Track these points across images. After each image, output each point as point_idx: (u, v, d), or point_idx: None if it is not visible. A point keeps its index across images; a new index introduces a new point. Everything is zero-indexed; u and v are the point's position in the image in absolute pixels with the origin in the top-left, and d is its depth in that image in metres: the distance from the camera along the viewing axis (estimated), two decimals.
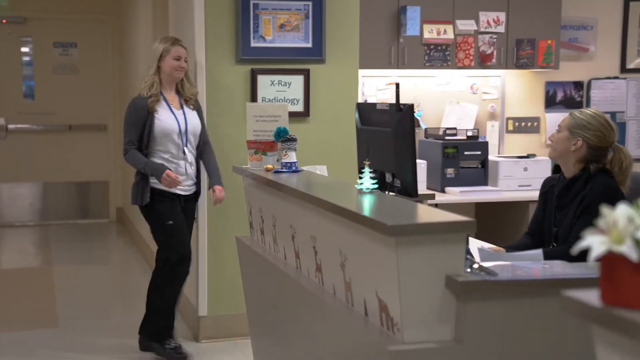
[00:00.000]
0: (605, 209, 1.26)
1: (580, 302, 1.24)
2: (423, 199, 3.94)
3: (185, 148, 3.92)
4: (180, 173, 3.90)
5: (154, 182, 3.89)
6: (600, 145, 2.72)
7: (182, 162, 3.92)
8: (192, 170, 3.98)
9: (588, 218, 2.61)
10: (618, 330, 1.18)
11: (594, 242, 1.23)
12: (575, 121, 2.75)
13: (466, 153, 5.06)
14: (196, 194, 4.07)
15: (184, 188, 3.96)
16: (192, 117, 3.97)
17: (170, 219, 3.90)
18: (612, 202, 2.88)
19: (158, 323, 4.03)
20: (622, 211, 1.24)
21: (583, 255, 1.27)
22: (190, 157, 3.95)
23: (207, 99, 4.28)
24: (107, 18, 8.15)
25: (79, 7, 8.01)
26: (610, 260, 1.22)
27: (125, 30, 7.80)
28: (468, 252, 2.14)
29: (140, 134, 3.88)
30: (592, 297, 1.24)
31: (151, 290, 4.05)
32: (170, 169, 3.85)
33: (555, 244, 2.78)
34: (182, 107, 3.96)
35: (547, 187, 2.90)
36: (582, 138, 2.71)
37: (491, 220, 5.16)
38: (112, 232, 7.99)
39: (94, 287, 5.67)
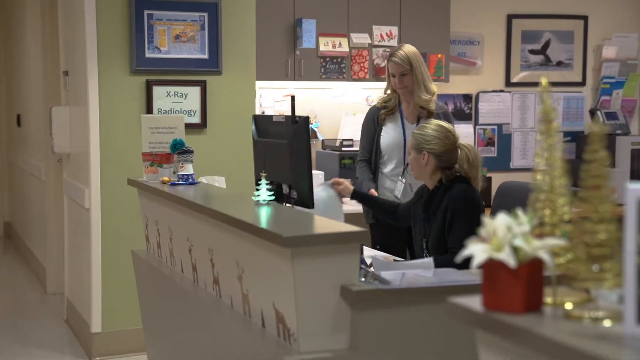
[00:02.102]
0: (486, 219, 1.33)
1: (464, 307, 1.30)
2: None
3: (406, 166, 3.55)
4: (395, 195, 3.61)
5: None
6: (444, 149, 2.88)
7: (399, 182, 3.61)
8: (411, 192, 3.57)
9: (459, 224, 2.77)
10: (498, 333, 1.25)
11: (476, 250, 1.30)
12: (416, 139, 2.94)
13: (357, 175, 5.15)
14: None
15: None
16: None
17: (378, 244, 3.53)
18: (473, 205, 3.03)
19: None
20: (501, 220, 1.31)
21: (470, 263, 1.34)
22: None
23: (100, 110, 4.18)
24: None
25: None
26: (491, 267, 1.29)
27: (10, 38, 7.50)
28: (362, 261, 2.19)
29: (371, 145, 3.63)
30: (474, 302, 1.31)
31: None
32: (372, 188, 3.58)
33: (428, 255, 2.90)
34: (417, 121, 3.63)
35: (417, 198, 3.08)
36: (426, 151, 2.88)
37: None
38: None
39: None
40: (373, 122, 3.68)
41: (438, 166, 2.89)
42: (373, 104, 3.71)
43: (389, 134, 3.66)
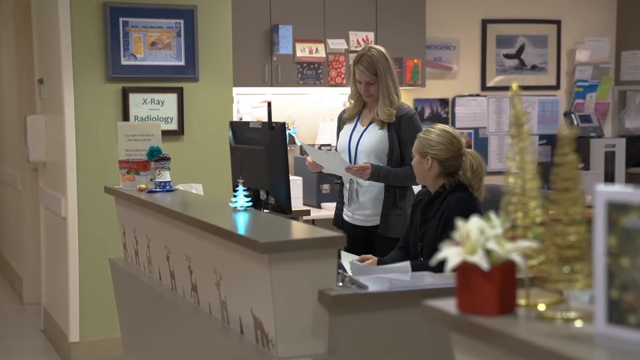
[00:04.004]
0: (460, 222, 1.35)
1: (439, 310, 1.32)
2: (298, 215, 4.00)
3: None
4: (347, 197, 3.42)
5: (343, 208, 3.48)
6: (448, 156, 2.82)
7: (348, 185, 3.41)
8: (366, 197, 3.38)
9: (448, 232, 2.72)
10: (473, 335, 1.27)
11: (450, 254, 1.31)
12: (421, 143, 2.87)
13: None
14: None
15: (356, 217, 3.41)
16: (374, 136, 3.37)
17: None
18: (470, 215, 2.96)
19: None
20: (474, 223, 1.33)
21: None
22: (363, 180, 3.34)
23: (76, 118, 4.16)
24: None
25: None
26: (465, 269, 1.30)
27: None
28: (340, 266, 2.20)
29: None
30: (449, 305, 1.32)
31: None
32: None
33: (422, 258, 2.88)
34: (369, 124, 3.40)
35: (416, 201, 3.02)
36: (430, 156, 2.83)
37: None
38: None
39: None
40: (338, 127, 3.57)
41: (441, 172, 2.83)
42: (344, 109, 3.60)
43: (340, 138, 3.49)
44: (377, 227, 3.34)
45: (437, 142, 2.82)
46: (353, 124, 3.48)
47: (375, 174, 3.28)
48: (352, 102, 3.48)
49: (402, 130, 3.34)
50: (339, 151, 3.47)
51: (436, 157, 2.82)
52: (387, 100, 3.36)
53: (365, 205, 3.39)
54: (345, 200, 3.47)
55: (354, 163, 3.37)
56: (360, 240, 3.41)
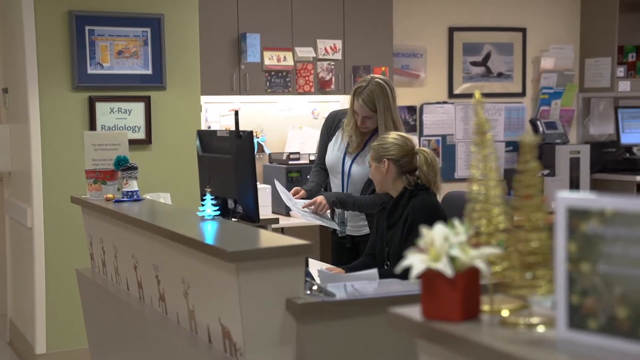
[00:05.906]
0: (424, 229, 1.36)
1: (404, 317, 1.33)
2: (266, 223, 4.00)
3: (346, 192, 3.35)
4: (338, 225, 3.42)
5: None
6: (402, 154, 2.91)
7: (335, 216, 3.43)
8: (350, 213, 3.40)
9: (413, 238, 2.75)
10: (437, 342, 1.28)
11: (415, 261, 1.33)
12: (375, 150, 2.96)
13: (309, 177, 5.18)
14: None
15: (350, 229, 3.44)
16: (363, 168, 3.32)
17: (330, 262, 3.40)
18: (434, 219, 3.00)
19: None
20: (438, 231, 1.34)
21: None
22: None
23: (42, 127, 4.11)
24: None
25: None
26: (429, 277, 1.32)
27: None
28: (308, 274, 2.21)
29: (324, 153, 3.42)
30: (414, 312, 1.34)
31: None
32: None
33: (388, 263, 2.91)
34: (359, 152, 3.35)
35: (379, 209, 3.06)
36: (386, 158, 2.91)
37: None
38: None
39: None
40: (331, 125, 3.48)
41: (399, 172, 2.90)
42: (336, 109, 3.53)
43: (333, 150, 3.45)
44: (365, 237, 3.36)
45: (391, 144, 2.92)
46: (344, 141, 3.40)
47: (330, 200, 3.27)
48: (351, 136, 3.34)
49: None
50: (329, 168, 3.47)
51: (391, 157, 2.90)
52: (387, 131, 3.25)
53: (352, 219, 3.43)
54: (337, 226, 3.46)
55: (347, 186, 3.39)
56: (348, 249, 3.45)
